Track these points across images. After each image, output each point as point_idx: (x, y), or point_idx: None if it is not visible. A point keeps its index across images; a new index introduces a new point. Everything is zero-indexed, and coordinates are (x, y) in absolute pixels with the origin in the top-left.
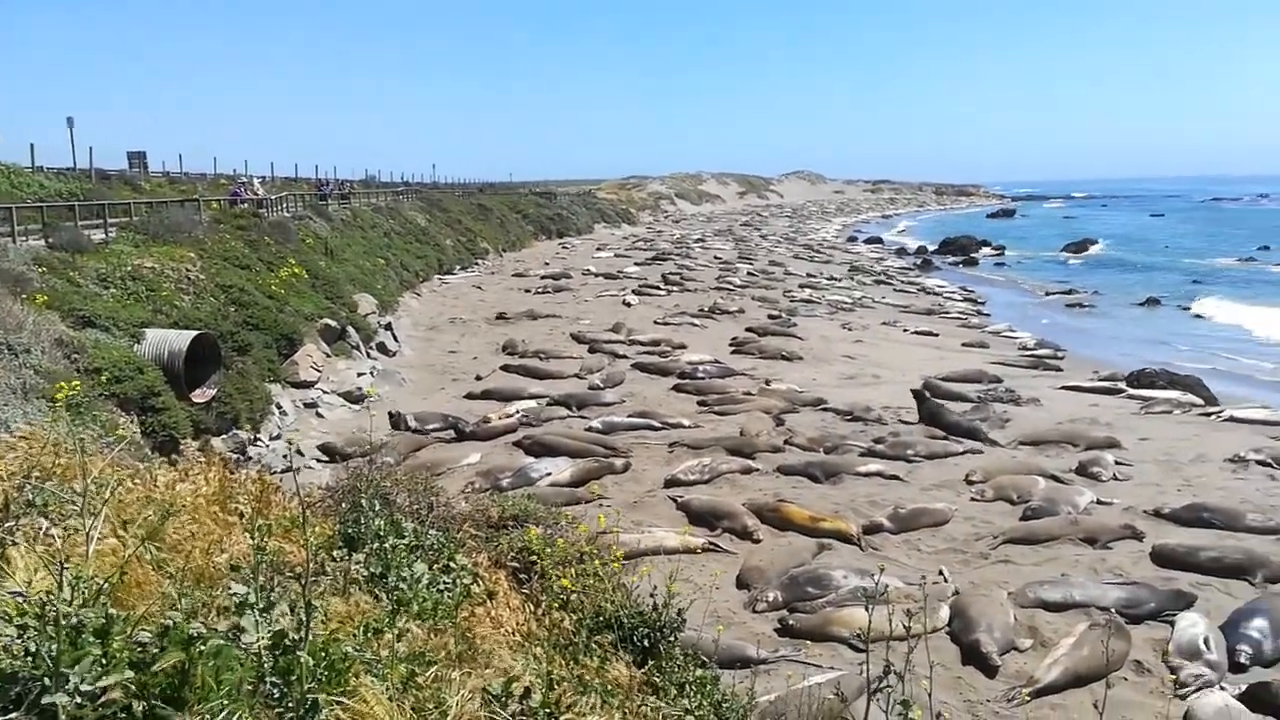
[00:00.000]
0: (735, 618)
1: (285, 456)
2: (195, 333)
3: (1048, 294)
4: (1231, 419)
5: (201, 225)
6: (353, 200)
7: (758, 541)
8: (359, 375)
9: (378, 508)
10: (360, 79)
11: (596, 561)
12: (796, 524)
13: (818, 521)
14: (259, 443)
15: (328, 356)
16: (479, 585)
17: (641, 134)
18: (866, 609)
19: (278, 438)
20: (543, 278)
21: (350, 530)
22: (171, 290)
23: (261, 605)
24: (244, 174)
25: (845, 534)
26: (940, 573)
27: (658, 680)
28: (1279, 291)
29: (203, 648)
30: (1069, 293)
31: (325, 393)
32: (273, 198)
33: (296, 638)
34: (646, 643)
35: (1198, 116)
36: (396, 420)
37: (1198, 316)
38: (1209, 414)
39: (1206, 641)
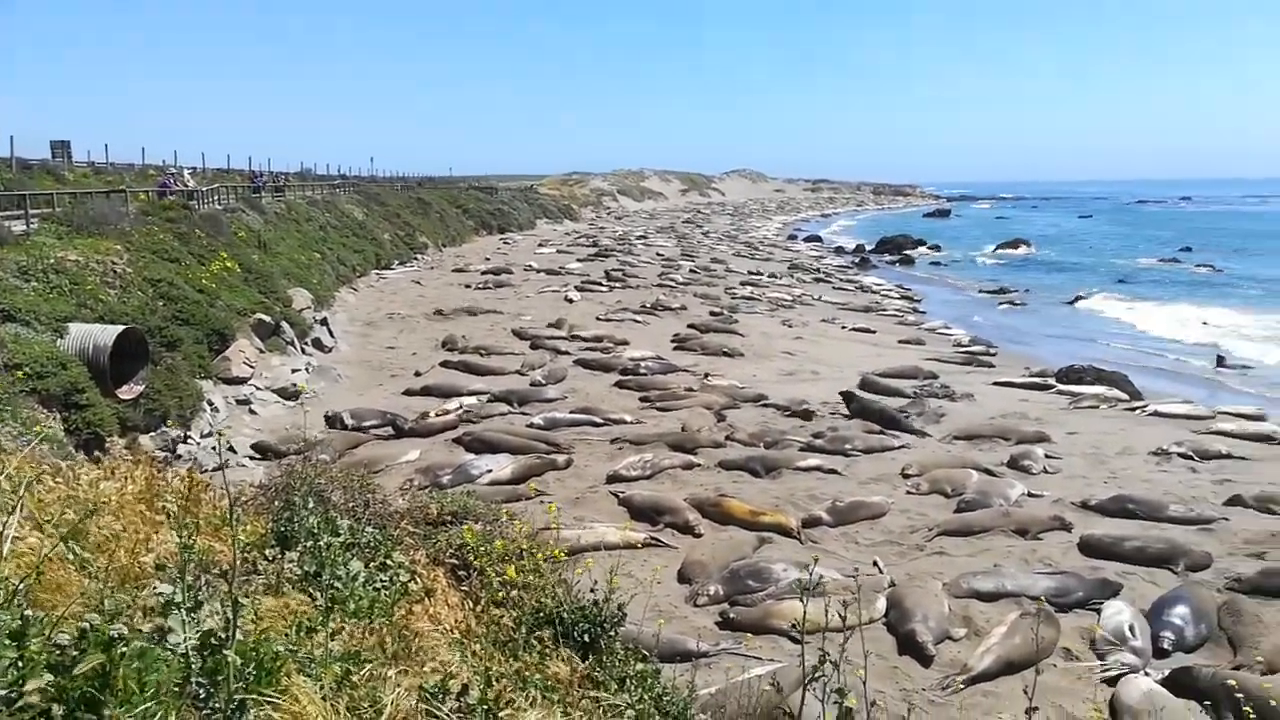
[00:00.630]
0: (677, 612)
1: (214, 450)
2: (122, 327)
3: (981, 292)
4: (1155, 413)
5: (128, 217)
6: (287, 193)
7: (699, 536)
8: (294, 371)
9: (311, 505)
10: (297, 69)
11: (538, 556)
12: (737, 518)
13: (758, 516)
14: (190, 440)
15: (261, 352)
16: (417, 583)
17: (585, 130)
18: (801, 600)
19: (209, 435)
20: (483, 273)
21: (283, 528)
22: (97, 284)
23: (189, 605)
24: (173, 165)
25: (785, 528)
26: (875, 564)
27: (598, 675)
28: (1193, 292)
29: (125, 649)
30: (1001, 291)
31: (259, 389)
32: (204, 189)
33: (224, 637)
34: (587, 638)
35: (1121, 123)
36: (333, 418)
37: (1093, 312)
38: (1134, 409)
39: (1132, 629)
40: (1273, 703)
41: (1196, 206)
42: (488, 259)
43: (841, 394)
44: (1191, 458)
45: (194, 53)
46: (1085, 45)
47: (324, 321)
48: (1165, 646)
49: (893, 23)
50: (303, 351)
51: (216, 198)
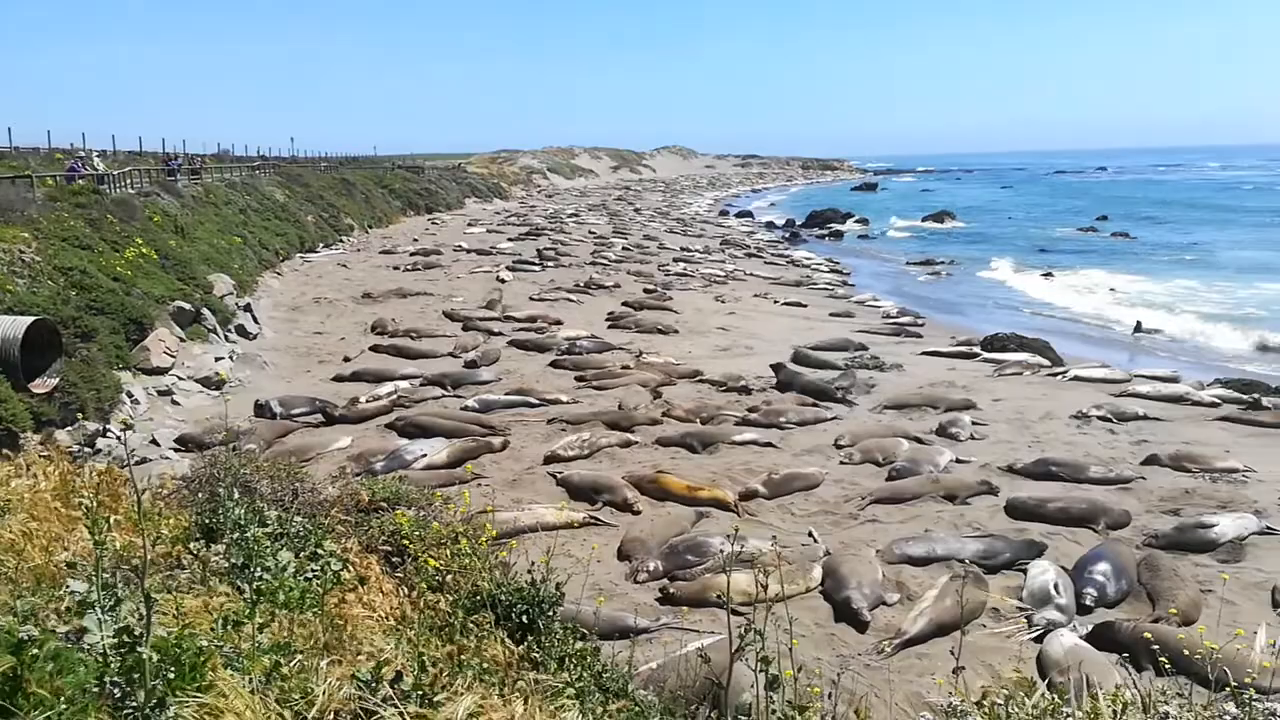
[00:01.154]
0: (617, 589)
1: (124, 443)
2: (32, 319)
3: (908, 264)
4: (1076, 378)
5: (35, 203)
6: (204, 175)
7: (638, 513)
8: (217, 360)
9: (237, 496)
10: (212, 47)
11: (476, 540)
12: (675, 494)
13: (696, 491)
14: (109, 434)
15: (182, 341)
16: (349, 571)
17: (512, 107)
18: (725, 572)
19: (130, 428)
20: (412, 255)
21: (208, 520)
22: (3, 274)
23: (109, 603)
24: (82, 148)
25: (723, 501)
26: (810, 534)
27: (537, 655)
28: (1108, 260)
29: (37, 652)
30: (927, 262)
31: (181, 379)
32: (115, 173)
33: (140, 634)
34: (525, 619)
35: (1039, 96)
36: (261, 406)
37: (1011, 282)
38: (1055, 374)
39: (1056, 587)
40: (1185, 652)
41: (1111, 176)
42: (416, 240)
43: (771, 366)
44: (1110, 420)
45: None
46: (1000, 23)
47: (247, 308)
48: (1088, 603)
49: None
50: (226, 339)
51: (129, 182)
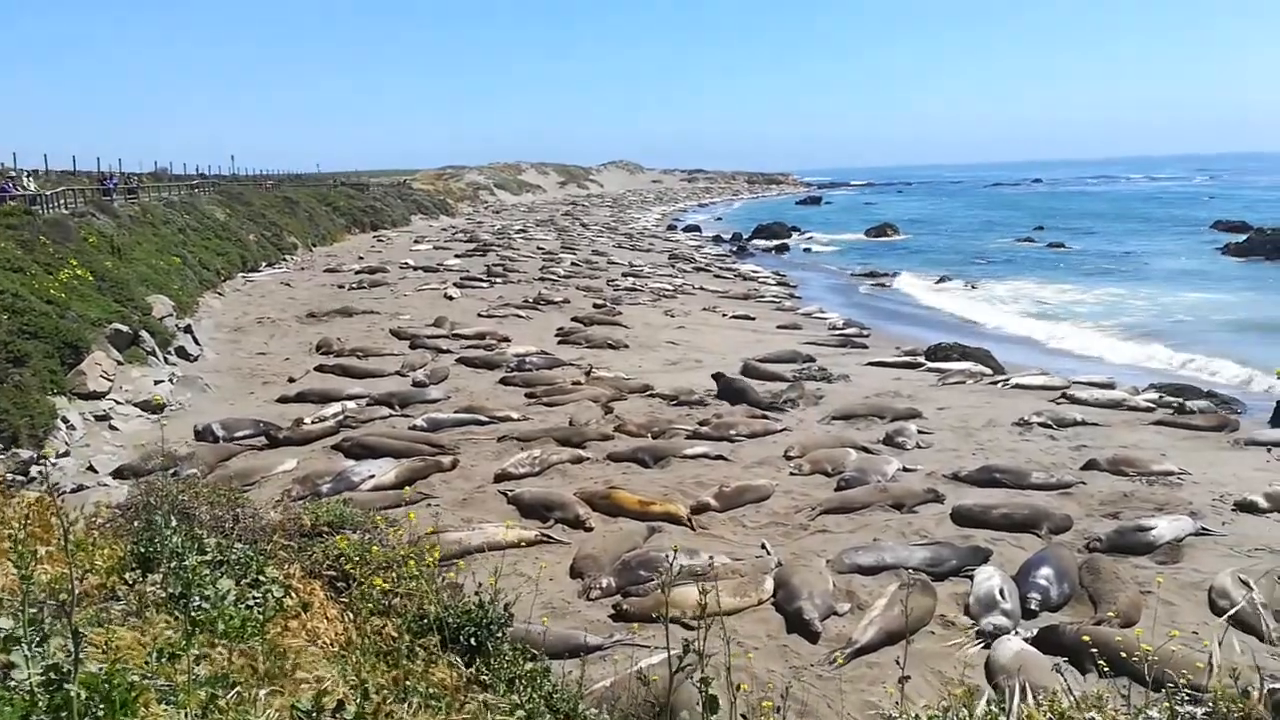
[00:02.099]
0: (570, 607)
1: (45, 474)
2: None
3: (853, 276)
4: (1017, 386)
5: None
6: (141, 195)
7: (590, 530)
8: (156, 383)
9: (174, 524)
10: (148, 63)
11: (419, 562)
12: (627, 509)
13: (648, 505)
14: (44, 461)
15: (120, 364)
16: (292, 597)
17: (457, 123)
18: (663, 591)
19: (65, 455)
20: (357, 273)
21: (144, 549)
22: None
23: (36, 639)
24: (12, 168)
25: (675, 516)
26: (763, 546)
27: (486, 677)
28: (1041, 269)
29: None
30: (871, 274)
31: (119, 403)
32: (48, 194)
33: (68, 669)
34: (474, 641)
35: (974, 110)
36: (202, 430)
37: (951, 291)
38: (996, 382)
39: (1002, 592)
40: (1122, 654)
41: (1047, 188)
42: (361, 258)
43: (713, 376)
44: (1050, 426)
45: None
46: (936, 40)
47: (188, 329)
48: (1033, 607)
49: (761, 19)
50: (166, 361)
51: (62, 202)
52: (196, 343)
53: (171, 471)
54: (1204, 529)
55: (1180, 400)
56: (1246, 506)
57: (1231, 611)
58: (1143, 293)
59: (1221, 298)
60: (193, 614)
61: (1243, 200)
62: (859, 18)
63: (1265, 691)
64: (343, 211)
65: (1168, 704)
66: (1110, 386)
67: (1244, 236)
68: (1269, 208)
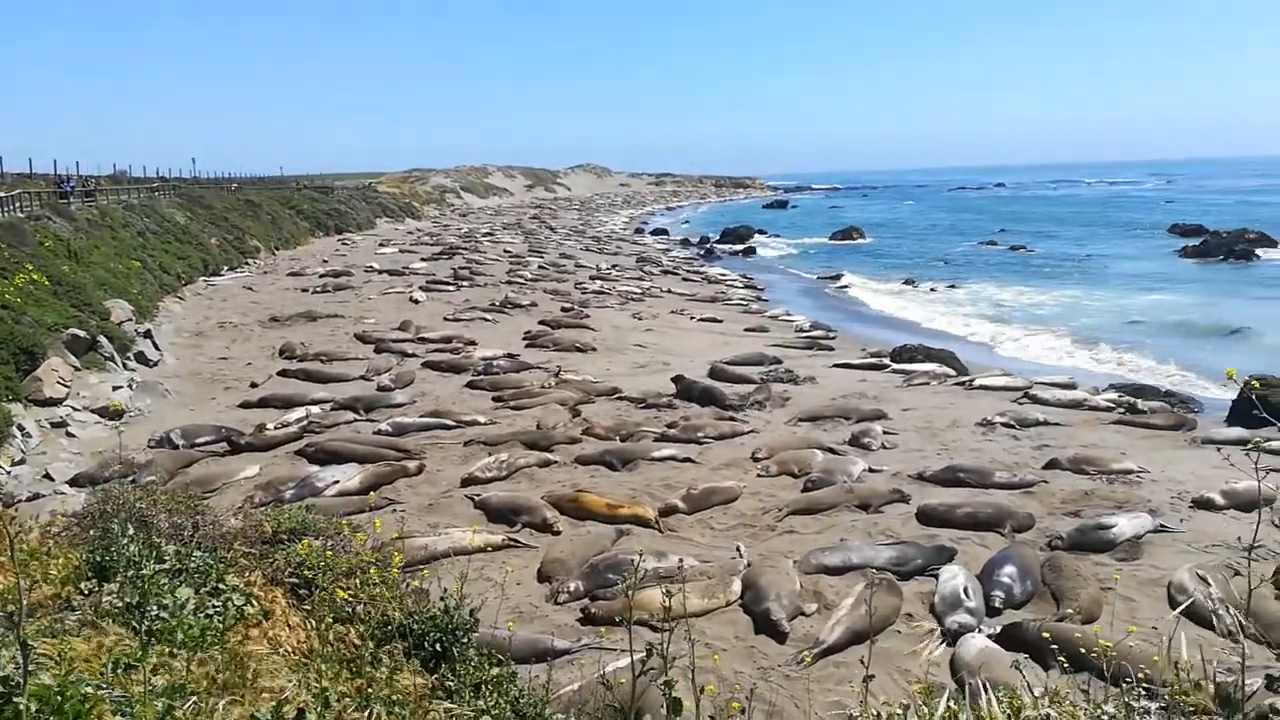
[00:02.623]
0: (538, 611)
1: (29, 478)
2: None
3: (819, 279)
4: (981, 387)
5: None
6: (100, 198)
7: (558, 533)
8: (115, 389)
9: (131, 532)
10: (107, 63)
11: (389, 569)
12: (595, 512)
13: (615, 508)
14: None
15: (77, 370)
16: (253, 605)
17: (423, 127)
18: (645, 588)
19: (21, 462)
20: (321, 276)
21: (100, 559)
22: None
23: None
24: None
25: (643, 518)
26: (737, 549)
27: (451, 684)
28: (1004, 272)
29: None
30: (837, 277)
31: (76, 410)
32: (3, 196)
33: (17, 682)
34: (439, 647)
35: (935, 115)
36: (162, 437)
37: (920, 294)
38: (960, 383)
39: (966, 591)
40: (1082, 650)
41: (1009, 192)
42: (325, 261)
43: (673, 379)
44: (1013, 426)
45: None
46: (905, 48)
47: (148, 334)
48: (996, 605)
49: (728, 23)
50: (125, 367)
51: (18, 205)
52: (156, 348)
53: (130, 479)
54: (1163, 526)
55: (1132, 400)
56: (1203, 503)
57: (1184, 606)
58: (1098, 295)
59: (1178, 299)
60: (150, 623)
61: (1198, 204)
62: (824, 25)
63: (1215, 684)
64: (307, 215)
65: (1123, 699)
66: (1071, 387)
67: (1200, 240)
68: (1222, 211)
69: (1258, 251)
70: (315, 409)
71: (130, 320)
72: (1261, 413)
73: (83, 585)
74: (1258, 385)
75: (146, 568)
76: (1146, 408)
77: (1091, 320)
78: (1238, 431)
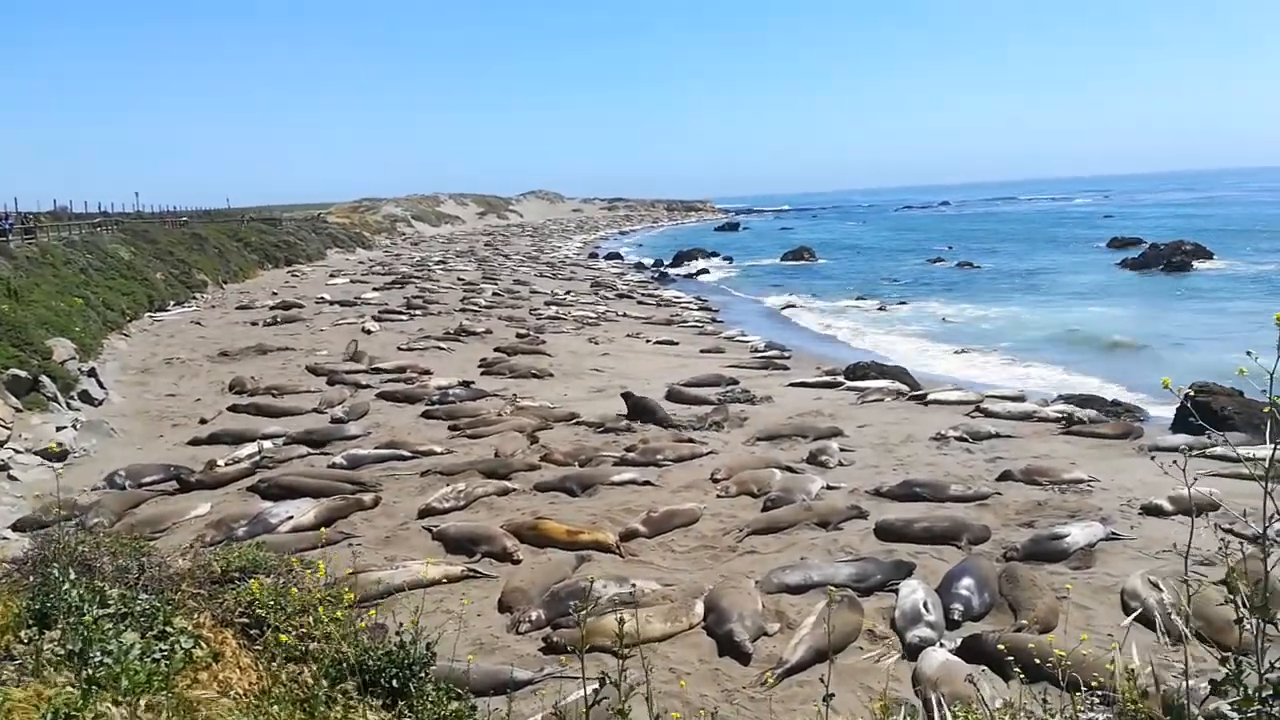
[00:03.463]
0: (499, 642)
1: None
2: None
3: (772, 299)
4: (934, 401)
5: None
6: (39, 234)
7: (518, 562)
8: (58, 429)
9: (73, 576)
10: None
11: (337, 605)
12: (555, 539)
13: (576, 535)
14: None
15: (18, 411)
16: (202, 648)
17: (373, 156)
18: (610, 615)
19: None
20: (271, 309)
21: (41, 605)
22: None
23: None
24: None
25: (603, 544)
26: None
27: None
28: (950, 289)
29: None
30: (790, 296)
31: (18, 452)
32: None
33: None
34: (395, 683)
35: (883, 137)
36: (109, 477)
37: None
38: (914, 399)
39: (926, 605)
40: (1037, 660)
41: (954, 210)
42: (275, 294)
43: (622, 395)
44: (966, 440)
45: None
46: (840, 69)
47: (92, 372)
48: (955, 617)
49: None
50: (68, 407)
51: None
52: (101, 386)
53: (74, 521)
54: (1114, 534)
55: (1071, 411)
56: (1152, 510)
57: (1135, 615)
58: (1045, 308)
59: (1121, 311)
60: (93, 671)
61: (1135, 218)
62: (767, 52)
63: (1161, 690)
64: (255, 247)
65: (1073, 710)
66: (1021, 399)
67: (1139, 252)
68: (1158, 225)
69: (1194, 263)
70: (267, 444)
71: (73, 359)
72: (1198, 420)
73: (23, 633)
74: (1193, 393)
75: (89, 613)
76: (1087, 416)
77: (1039, 333)
78: (1181, 439)
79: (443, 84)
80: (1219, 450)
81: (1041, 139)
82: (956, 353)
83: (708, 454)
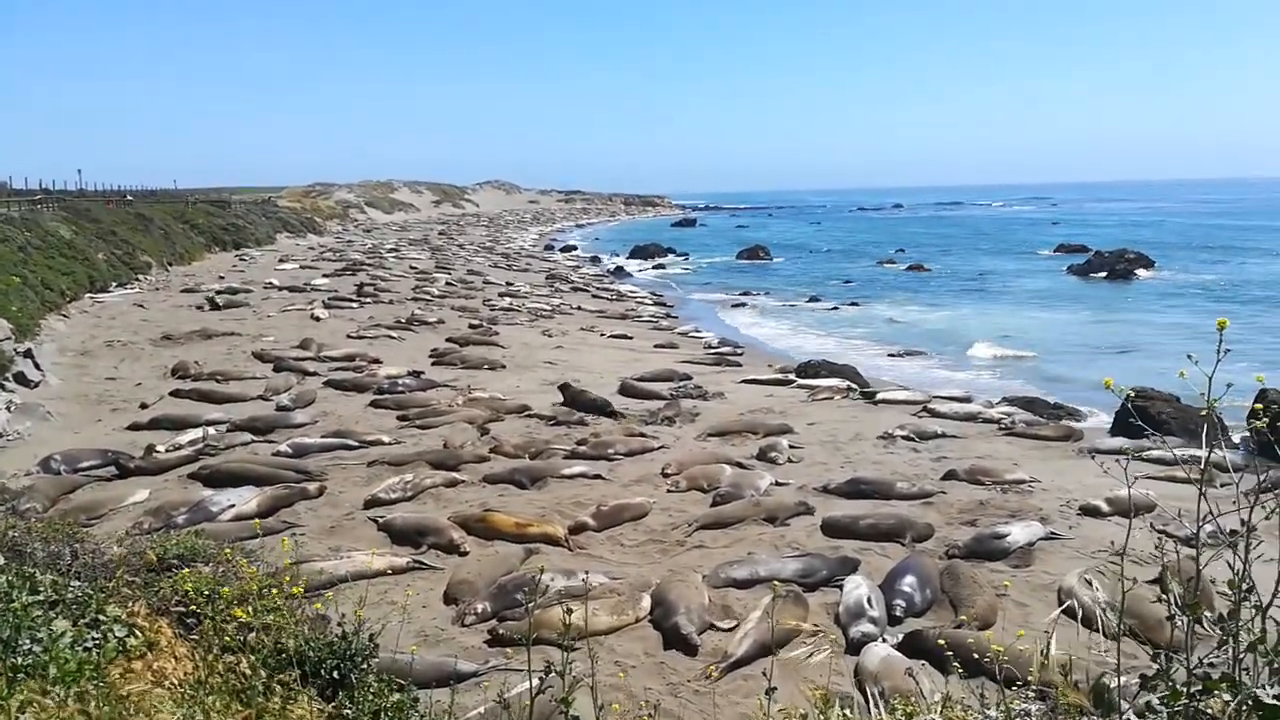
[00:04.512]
0: (445, 634)
1: None
2: None
3: (727, 296)
4: (882, 401)
5: None
6: None
7: (465, 554)
8: None
9: (3, 561)
10: None
11: (275, 594)
12: (503, 532)
13: (524, 527)
14: None
15: None
16: (136, 637)
17: (325, 139)
18: (527, 614)
19: None
20: (218, 293)
21: None
22: None
23: None
24: None
25: (552, 537)
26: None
27: (349, 711)
28: (900, 290)
29: None
30: (744, 294)
31: None
32: None
33: None
34: (336, 674)
35: (834, 139)
36: (43, 461)
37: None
38: (863, 398)
39: (869, 600)
40: (975, 655)
41: (908, 212)
42: (222, 277)
43: (559, 387)
44: (913, 439)
45: None
46: (796, 70)
47: (28, 353)
48: (898, 614)
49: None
50: (3, 388)
51: None
52: (38, 368)
53: (7, 507)
54: (1053, 533)
55: (1008, 413)
56: (1090, 510)
57: (1063, 608)
58: (993, 310)
59: (1066, 316)
60: (20, 659)
61: (1082, 226)
62: (724, 49)
63: (1092, 684)
64: (202, 229)
65: (1005, 703)
66: (967, 400)
67: (1084, 259)
68: (1104, 233)
69: (1137, 271)
70: (211, 430)
71: (9, 339)
72: (1139, 422)
73: None
74: (1133, 394)
75: (18, 600)
76: (1020, 419)
77: (986, 334)
78: (1120, 441)
79: (397, 70)
80: (1156, 454)
81: (991, 149)
82: (902, 354)
83: (659, 448)
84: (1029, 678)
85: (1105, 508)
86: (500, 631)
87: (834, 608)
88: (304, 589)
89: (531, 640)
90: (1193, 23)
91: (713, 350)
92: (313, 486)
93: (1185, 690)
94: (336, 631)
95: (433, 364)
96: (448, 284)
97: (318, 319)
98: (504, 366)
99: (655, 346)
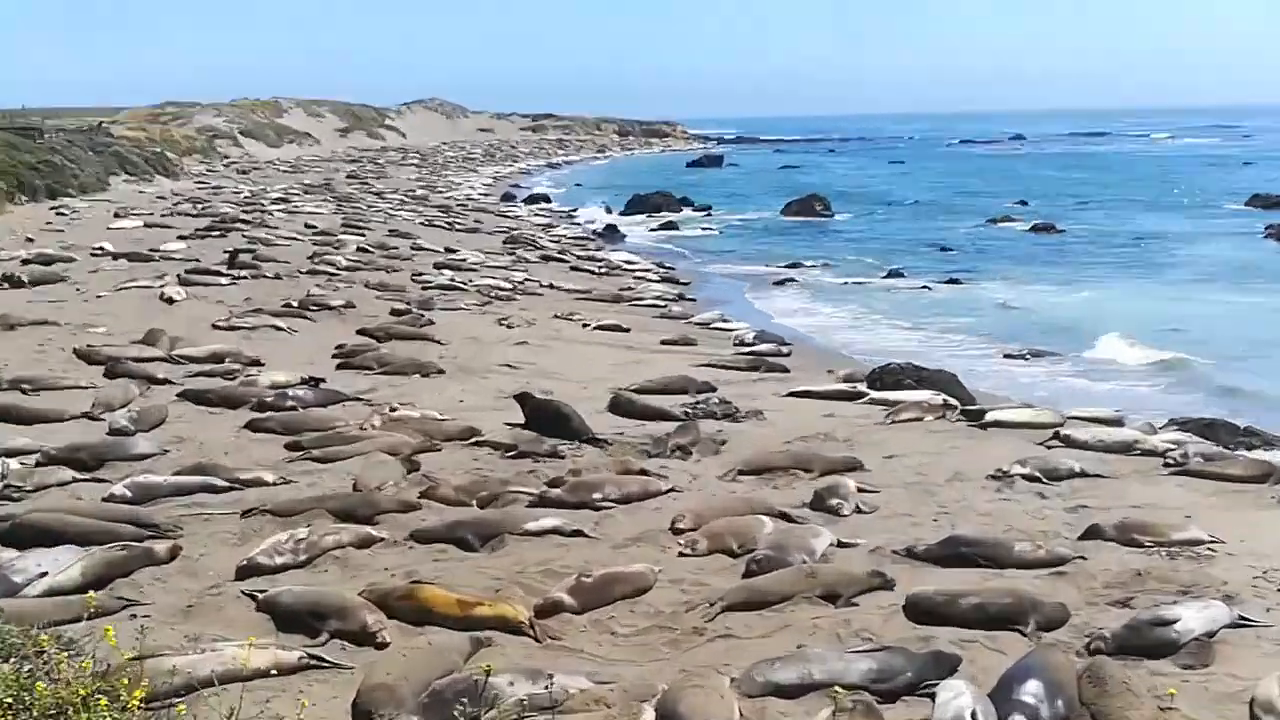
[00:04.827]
0: None
1: None
2: None
3: (766, 270)
4: (994, 423)
5: None
6: None
7: (383, 646)
8: None
9: None
10: None
11: (104, 705)
12: (440, 613)
13: (471, 607)
14: None
15: None
16: None
17: (181, 43)
18: None
19: None
20: (24, 263)
21: None
22: None
23: None
24: None
25: (511, 621)
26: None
27: None
28: (1018, 265)
29: None
30: (792, 267)
31: None
32: None
33: None
34: None
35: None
36: None
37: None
38: (966, 418)
39: (975, 715)
40: None
41: (1032, 147)
42: (31, 239)
43: (516, 398)
44: (1038, 479)
45: None
46: None
47: None
48: None
49: None
50: None
51: None
52: None
53: None
54: (1243, 618)
55: (1175, 442)
56: None
57: None
58: (1151, 294)
59: (1263, 300)
60: None
61: None
62: None
63: None
64: (2, 169)
65: None
66: (1118, 423)
67: None
68: None
69: None
70: (13, 464)
71: None
72: None
73: None
74: None
75: None
76: (1196, 452)
77: (1144, 327)
78: None
79: None
80: None
81: (1151, 57)
82: (1024, 355)
83: (668, 492)
84: None
85: None
86: None
87: None
88: (149, 696)
89: None
90: None
91: (746, 349)
92: (161, 547)
93: None
94: None
95: (338, 367)
96: (360, 250)
97: (171, 301)
98: (442, 372)
99: (662, 343)
